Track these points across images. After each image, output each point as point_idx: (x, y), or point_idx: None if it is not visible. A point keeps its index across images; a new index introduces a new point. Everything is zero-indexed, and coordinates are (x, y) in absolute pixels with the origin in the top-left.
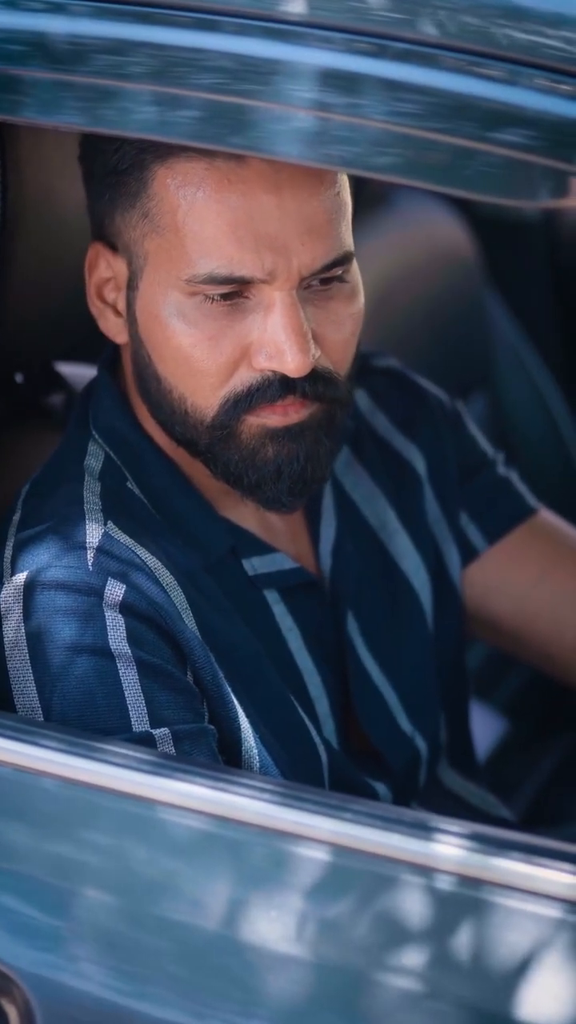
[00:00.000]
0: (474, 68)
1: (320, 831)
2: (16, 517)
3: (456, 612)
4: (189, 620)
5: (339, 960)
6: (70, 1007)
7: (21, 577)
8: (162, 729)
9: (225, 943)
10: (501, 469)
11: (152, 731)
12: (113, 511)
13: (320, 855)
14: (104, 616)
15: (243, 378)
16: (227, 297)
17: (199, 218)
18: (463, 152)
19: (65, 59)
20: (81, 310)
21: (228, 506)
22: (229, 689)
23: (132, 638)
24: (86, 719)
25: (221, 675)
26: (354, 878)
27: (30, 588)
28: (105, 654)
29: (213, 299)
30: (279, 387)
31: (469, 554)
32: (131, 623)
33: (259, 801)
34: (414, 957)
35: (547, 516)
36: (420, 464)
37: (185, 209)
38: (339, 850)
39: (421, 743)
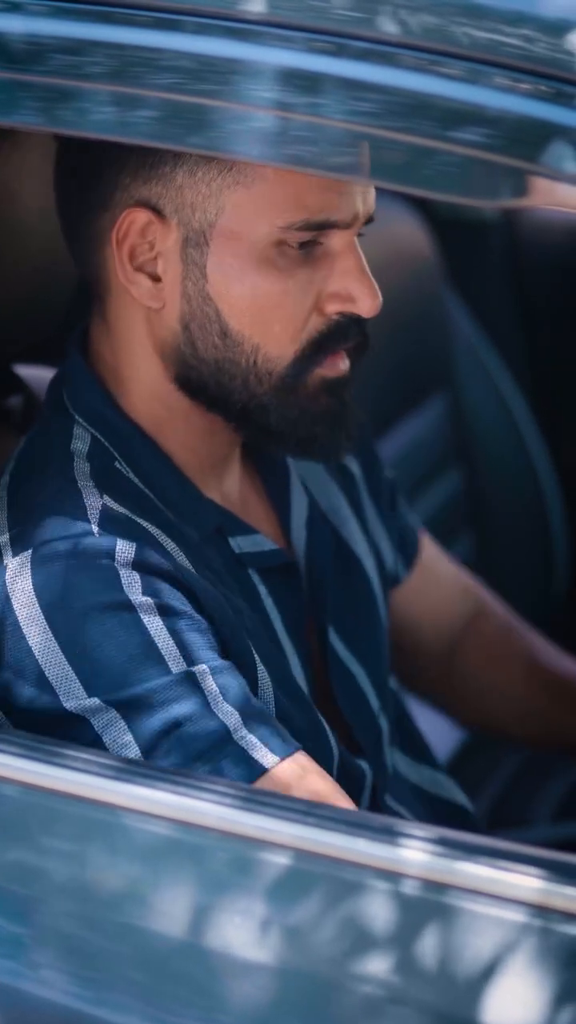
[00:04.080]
0: (434, 67)
1: (283, 836)
2: (3, 506)
3: (388, 604)
4: (195, 577)
5: (303, 966)
6: (31, 1014)
7: (25, 555)
8: (200, 666)
9: (188, 949)
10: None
11: (191, 669)
12: (107, 488)
13: (284, 860)
14: (119, 574)
15: (316, 324)
16: (304, 245)
17: None
18: (423, 151)
19: (22, 59)
20: (40, 312)
21: (210, 486)
22: (250, 644)
23: (149, 590)
24: (125, 673)
25: (241, 628)
26: (318, 883)
27: (38, 563)
28: (128, 607)
29: (295, 246)
30: (355, 328)
31: (393, 582)
32: (146, 578)
33: (221, 806)
34: (379, 962)
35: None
36: (354, 466)
37: None
38: (303, 855)
39: (384, 723)
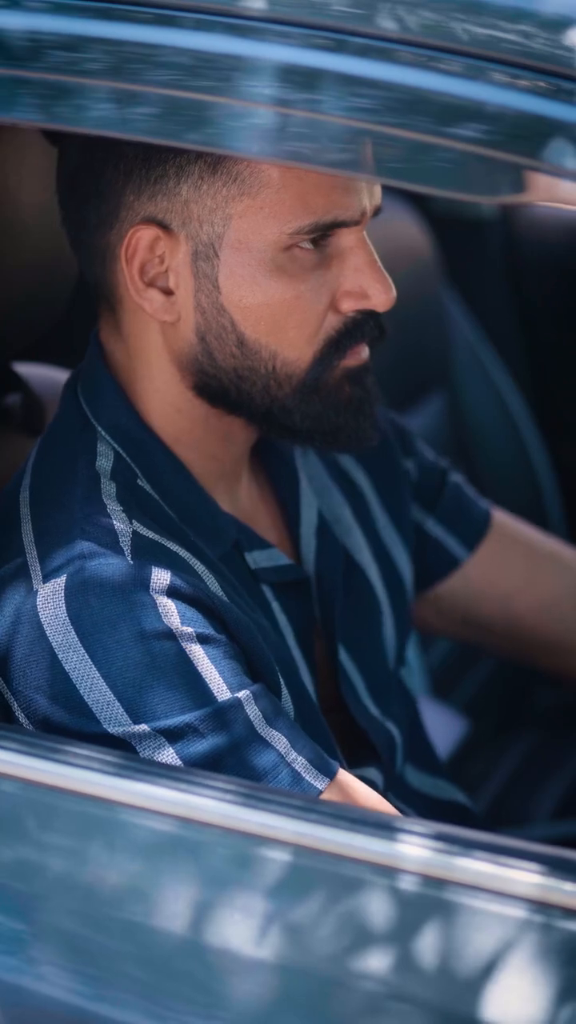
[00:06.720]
0: (433, 63)
1: (284, 832)
2: (28, 526)
3: (406, 614)
4: (226, 604)
5: (303, 963)
6: (31, 1011)
7: (59, 582)
8: (243, 691)
9: (188, 946)
10: (453, 475)
11: (236, 695)
12: (134, 510)
13: (284, 857)
14: (155, 602)
15: (332, 323)
16: (315, 244)
17: (303, 170)
18: (421, 147)
19: (20, 55)
20: (38, 311)
21: (224, 495)
22: (275, 664)
23: (186, 619)
24: (171, 702)
25: (265, 648)
26: (318, 880)
27: (72, 591)
28: (168, 636)
29: (306, 249)
30: (371, 323)
31: (450, 565)
32: (180, 606)
33: (222, 802)
34: (379, 959)
35: (497, 511)
36: (362, 478)
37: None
38: (303, 851)
39: (392, 728)
